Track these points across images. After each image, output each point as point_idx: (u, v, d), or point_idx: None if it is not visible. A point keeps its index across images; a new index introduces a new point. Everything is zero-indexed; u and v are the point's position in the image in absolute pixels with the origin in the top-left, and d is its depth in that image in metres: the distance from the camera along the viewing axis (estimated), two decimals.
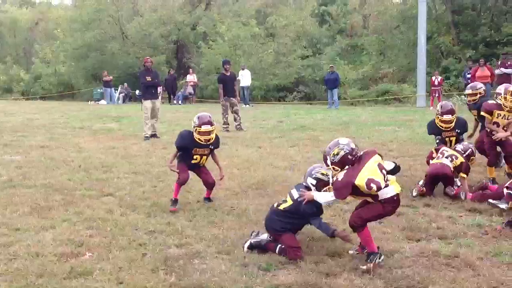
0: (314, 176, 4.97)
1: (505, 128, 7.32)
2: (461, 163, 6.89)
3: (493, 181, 7.35)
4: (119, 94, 30.49)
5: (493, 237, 5.28)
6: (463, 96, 21.69)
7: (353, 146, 4.50)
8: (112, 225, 5.76)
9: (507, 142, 7.40)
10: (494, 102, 7.45)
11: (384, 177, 4.45)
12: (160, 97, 13.96)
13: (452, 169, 6.85)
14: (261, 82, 28.73)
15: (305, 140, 11.89)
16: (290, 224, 4.99)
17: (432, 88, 21.97)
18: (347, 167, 4.44)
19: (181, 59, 35.66)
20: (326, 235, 4.86)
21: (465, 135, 8.06)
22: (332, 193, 4.56)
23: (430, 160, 7.25)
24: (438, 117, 7.47)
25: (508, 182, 6.21)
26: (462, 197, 6.64)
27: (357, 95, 27.26)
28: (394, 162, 4.75)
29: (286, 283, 4.26)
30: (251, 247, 4.98)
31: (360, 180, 4.31)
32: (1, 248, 5.03)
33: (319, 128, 14.32)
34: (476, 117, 8.31)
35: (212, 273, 4.43)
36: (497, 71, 19.06)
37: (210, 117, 6.48)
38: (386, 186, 4.44)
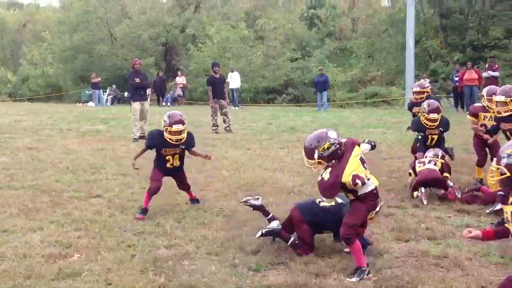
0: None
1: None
2: (441, 164, 7.07)
3: (481, 181, 7.40)
4: (107, 96, 30.39)
5: None
6: (451, 99, 21.98)
7: (340, 139, 4.44)
8: (100, 226, 5.73)
9: (494, 145, 7.44)
10: (479, 105, 7.51)
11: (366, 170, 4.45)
12: (149, 99, 13.91)
13: (438, 171, 6.93)
14: (250, 84, 28.76)
15: (294, 142, 11.89)
16: (317, 217, 4.93)
17: None
18: (333, 161, 4.39)
19: (169, 61, 35.63)
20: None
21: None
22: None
23: (416, 168, 7.23)
24: (424, 115, 7.49)
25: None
26: (458, 195, 6.67)
27: (346, 98, 27.39)
28: (369, 143, 4.75)
29: (276, 283, 4.26)
30: (263, 235, 5.01)
31: (346, 177, 4.29)
32: None
33: (308, 130, 14.24)
34: (418, 114, 8.02)
35: (202, 274, 4.42)
36: (484, 74, 19.21)
37: (181, 115, 6.24)
38: (368, 179, 4.42)
